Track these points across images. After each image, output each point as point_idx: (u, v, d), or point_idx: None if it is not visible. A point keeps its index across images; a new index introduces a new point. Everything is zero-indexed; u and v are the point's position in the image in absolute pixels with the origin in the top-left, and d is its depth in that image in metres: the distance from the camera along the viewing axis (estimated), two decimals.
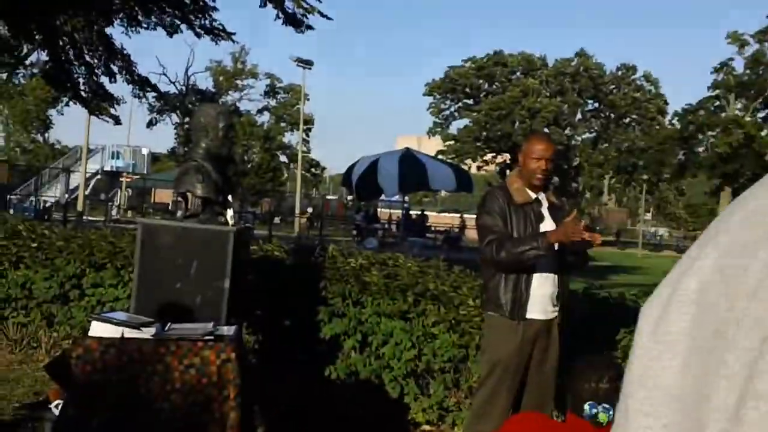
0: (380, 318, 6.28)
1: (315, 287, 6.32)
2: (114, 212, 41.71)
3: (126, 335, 4.30)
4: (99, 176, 51.68)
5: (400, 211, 37.46)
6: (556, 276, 4.69)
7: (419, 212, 45.18)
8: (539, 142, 4.78)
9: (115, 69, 16.80)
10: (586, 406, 2.64)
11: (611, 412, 2.63)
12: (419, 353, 6.27)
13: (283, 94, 69.22)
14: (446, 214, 66.10)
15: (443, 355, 6.19)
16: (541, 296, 4.63)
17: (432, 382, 6.35)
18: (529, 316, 4.60)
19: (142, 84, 17.77)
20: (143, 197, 54.24)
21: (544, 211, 4.76)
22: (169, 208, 46.72)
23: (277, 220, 53.62)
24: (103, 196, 49.34)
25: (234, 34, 17.18)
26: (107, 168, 50.35)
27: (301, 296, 6.40)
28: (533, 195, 4.75)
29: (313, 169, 70.17)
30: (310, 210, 58.19)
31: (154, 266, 5.06)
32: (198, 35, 16.40)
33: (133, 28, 16.06)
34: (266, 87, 68.72)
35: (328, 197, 72.43)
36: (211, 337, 4.35)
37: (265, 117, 69.86)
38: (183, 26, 16.36)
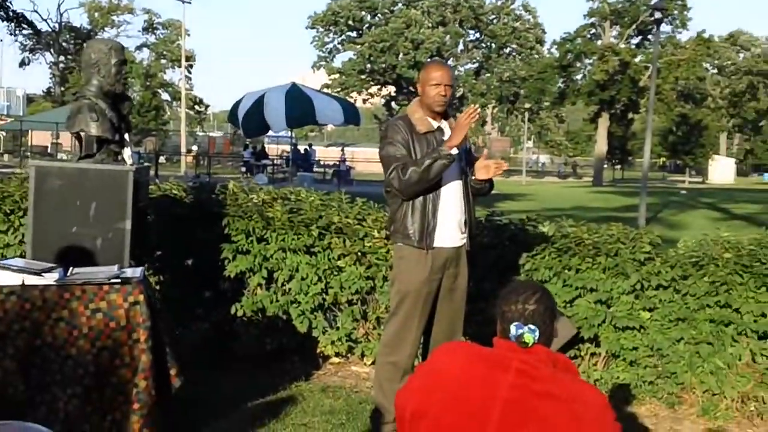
0: (285, 253, 6.19)
1: (217, 225, 6.17)
2: None
3: (26, 282, 4.09)
4: None
5: (288, 146, 37.17)
6: (463, 202, 4.68)
7: (306, 147, 44.89)
8: (436, 69, 4.72)
9: None
10: (512, 327, 2.65)
11: (536, 333, 2.64)
12: (326, 287, 6.22)
13: (163, 30, 67.36)
14: (333, 148, 65.97)
15: (350, 288, 6.17)
16: (449, 223, 4.61)
17: (340, 314, 6.33)
18: (437, 244, 4.57)
19: (17, 20, 16.87)
20: (19, 140, 52.01)
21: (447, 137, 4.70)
22: (48, 150, 45.09)
23: (162, 159, 52.56)
24: None
25: None
26: None
27: (204, 235, 6.25)
28: (435, 123, 4.69)
29: (196, 107, 68.83)
30: (195, 148, 57.23)
31: (49, 210, 4.83)
32: None
33: None
34: (144, 23, 66.77)
35: (213, 134, 71.26)
36: (118, 280, 4.19)
37: (145, 54, 67.98)
38: None
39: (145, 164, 6.56)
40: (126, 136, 5.08)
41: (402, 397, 2.74)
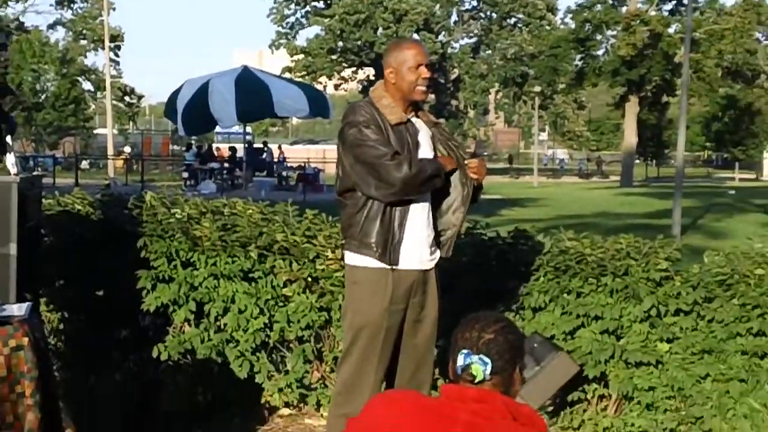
0: (218, 280, 6.17)
1: (132, 247, 6.14)
2: None
3: None
4: None
5: (241, 145, 37.15)
6: (431, 217, 4.67)
7: (261, 144, 44.86)
8: (411, 46, 4.70)
9: None
10: (460, 356, 2.64)
11: (488, 367, 2.63)
12: (270, 321, 6.20)
13: (81, 4, 67.10)
14: (300, 146, 65.98)
15: (300, 321, 6.14)
16: (417, 240, 4.60)
17: (288, 355, 6.31)
18: (402, 264, 4.56)
19: None
20: None
21: (422, 137, 4.68)
22: None
23: (85, 164, 52.44)
24: None
25: None
26: None
27: (115, 259, 6.22)
28: (405, 116, 4.65)
29: (127, 98, 68.62)
30: (127, 150, 57.06)
31: None
32: None
33: None
34: None
35: (151, 132, 71.13)
36: None
37: (60, 33, 67.78)
38: None
39: (36, 173, 6.52)
40: (8, 138, 5.05)
41: None
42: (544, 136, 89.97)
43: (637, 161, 66.45)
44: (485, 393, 2.63)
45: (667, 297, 5.68)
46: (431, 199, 4.69)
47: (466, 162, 4.70)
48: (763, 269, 5.60)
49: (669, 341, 5.74)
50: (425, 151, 4.66)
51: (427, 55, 4.71)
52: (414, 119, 4.71)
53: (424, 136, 4.70)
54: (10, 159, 4.99)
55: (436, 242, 4.74)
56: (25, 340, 4.16)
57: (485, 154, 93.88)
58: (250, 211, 6.41)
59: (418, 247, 4.61)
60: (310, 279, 6.15)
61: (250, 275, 6.20)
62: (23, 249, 4.94)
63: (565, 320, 5.79)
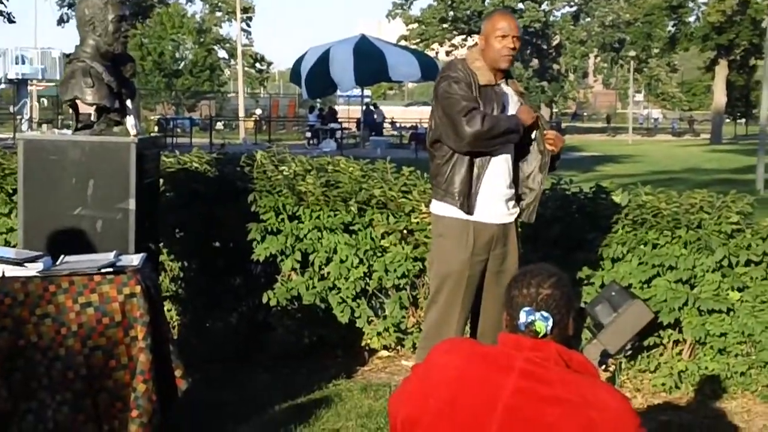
0: (321, 233, 6.11)
1: (243, 201, 6.10)
2: (25, 126, 40.45)
3: (7, 274, 4.06)
4: (3, 85, 49.80)
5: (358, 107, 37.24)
6: (511, 177, 4.62)
7: (371, 106, 44.78)
8: (502, 18, 4.65)
9: None
10: (522, 313, 2.53)
11: (549, 322, 2.51)
12: (369, 270, 6.13)
13: None
14: (414, 108, 65.83)
15: (396, 271, 6.06)
16: (494, 193, 4.55)
17: (386, 301, 6.24)
18: (479, 217, 4.50)
19: None
20: (59, 107, 52.85)
21: (508, 101, 4.63)
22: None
23: (219, 125, 53.07)
24: (12, 109, 47.80)
25: None
26: (11, 76, 48.14)
27: (228, 213, 6.19)
28: (494, 81, 4.61)
29: (258, 65, 69.15)
30: (258, 112, 57.58)
31: (42, 190, 4.83)
32: None
33: None
34: None
35: (279, 96, 71.75)
36: (110, 269, 4.13)
37: (197, 6, 68.62)
38: None
39: (153, 134, 6.52)
40: (128, 102, 5.03)
41: (394, 402, 2.69)
42: (639, 97, 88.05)
43: (727, 120, 64.60)
44: (541, 342, 2.52)
45: (738, 248, 5.50)
46: (513, 158, 4.60)
47: (545, 132, 4.64)
48: None
49: (740, 290, 5.55)
50: (511, 113, 4.59)
51: (516, 27, 4.62)
52: (503, 85, 4.67)
53: (510, 100, 4.65)
54: (130, 121, 4.98)
55: (516, 199, 4.66)
56: (138, 288, 4.14)
57: (585, 114, 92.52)
58: (352, 168, 6.31)
59: (495, 202, 4.55)
60: (405, 231, 6.06)
61: (351, 228, 6.12)
62: (143, 203, 4.93)
63: (642, 270, 5.64)
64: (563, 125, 56.20)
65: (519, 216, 4.69)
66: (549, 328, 2.53)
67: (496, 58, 4.55)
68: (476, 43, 4.76)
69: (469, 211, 4.48)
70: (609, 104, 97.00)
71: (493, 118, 4.40)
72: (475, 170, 4.48)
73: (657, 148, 44.28)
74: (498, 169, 4.53)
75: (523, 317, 2.54)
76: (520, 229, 4.73)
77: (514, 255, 4.61)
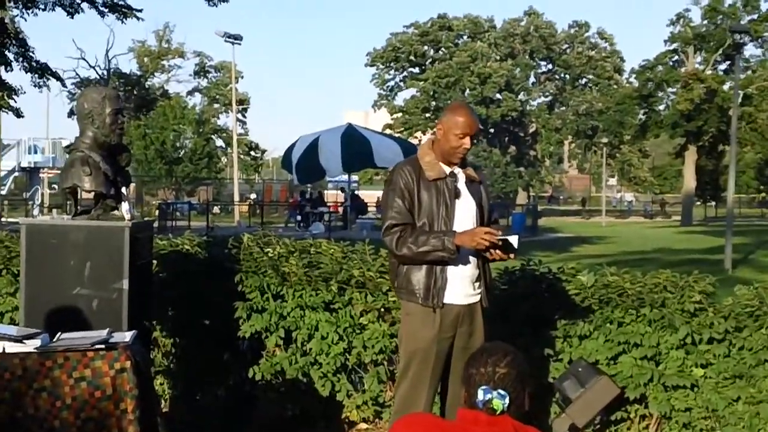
0: (303, 311, 6.17)
1: (230, 281, 6.19)
2: (36, 212, 40.76)
3: (8, 350, 4.13)
4: (17, 173, 50.43)
5: (345, 192, 37.34)
6: (475, 257, 4.56)
7: (353, 191, 44.95)
8: (464, 115, 4.55)
9: (11, 56, 16.43)
10: (480, 391, 2.57)
11: (506, 400, 2.56)
12: (349, 346, 6.17)
13: (215, 73, 68.62)
14: None
15: (374, 347, 6.09)
16: (460, 279, 4.52)
17: (365, 376, 6.26)
18: (447, 301, 4.49)
19: (41, 71, 17.41)
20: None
21: (461, 186, 4.61)
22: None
23: (216, 209, 53.26)
24: (25, 195, 48.24)
25: (140, 10, 16.86)
26: (24, 164, 48.77)
27: (216, 292, 6.27)
28: (448, 170, 4.59)
29: (252, 152, 69.69)
30: (252, 196, 57.82)
31: (43, 271, 4.92)
32: (101, 13, 16.01)
33: (29, 10, 15.67)
34: (195, 66, 68.08)
35: (272, 181, 72.01)
36: (102, 346, 4.20)
37: (197, 99, 69.23)
38: (84, 5, 15.99)
39: (147, 219, 6.63)
40: (123, 189, 5.14)
41: None
42: (613, 181, 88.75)
43: (697, 203, 65.06)
44: (498, 418, 2.56)
45: (701, 326, 5.52)
46: None
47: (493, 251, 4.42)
48: None
49: (704, 366, 5.57)
50: (464, 201, 4.59)
51: (476, 125, 4.57)
52: (457, 171, 4.63)
53: (465, 188, 4.62)
54: (124, 206, 5.08)
55: (484, 278, 4.66)
56: (128, 363, 4.19)
57: (560, 198, 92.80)
58: (333, 250, 6.40)
59: (462, 286, 4.54)
60: (382, 309, 6.12)
61: (331, 306, 6.18)
62: (136, 283, 5.02)
63: (608, 347, 5.66)
64: (540, 208, 56.40)
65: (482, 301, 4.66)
66: (506, 405, 2.57)
67: (450, 154, 4.53)
68: (434, 132, 4.70)
69: (436, 304, 4.47)
70: (584, 188, 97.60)
71: (411, 239, 4.38)
72: (438, 263, 4.45)
73: (630, 230, 44.49)
74: (462, 256, 4.48)
75: (480, 395, 2.58)
76: (486, 306, 4.71)
77: (480, 332, 4.59)
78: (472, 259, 4.55)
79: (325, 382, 6.16)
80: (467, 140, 4.51)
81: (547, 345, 5.80)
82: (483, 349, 2.74)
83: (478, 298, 4.63)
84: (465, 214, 4.58)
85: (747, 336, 5.43)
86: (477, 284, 4.62)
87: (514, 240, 4.37)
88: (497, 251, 4.42)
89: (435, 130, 4.67)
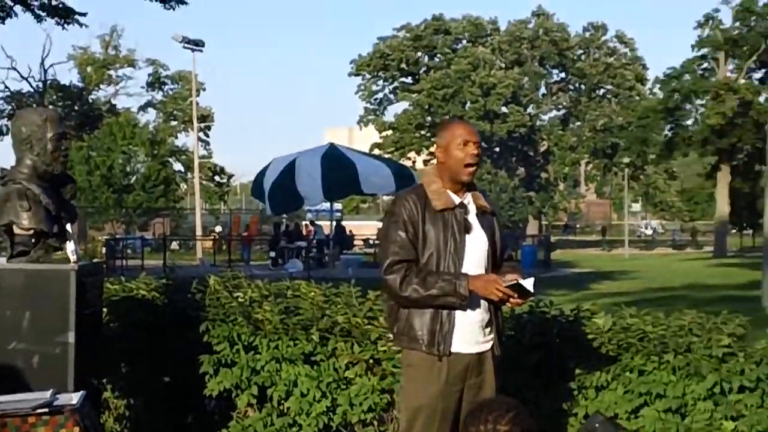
0: (280, 364, 6.18)
1: (194, 331, 6.19)
2: None
3: None
4: None
5: (327, 223, 37.33)
6: (487, 299, 4.58)
7: (336, 223, 45.04)
8: (459, 126, 4.74)
9: None
10: None
11: None
12: (333, 404, 6.16)
13: (172, 85, 68.62)
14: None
15: (362, 404, 6.08)
16: (469, 324, 4.56)
17: None
18: (454, 349, 4.52)
19: None
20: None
21: (472, 218, 4.67)
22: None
23: (174, 245, 53.09)
24: None
25: (84, 14, 16.94)
26: None
27: (178, 344, 6.27)
28: (457, 199, 4.65)
29: (217, 177, 69.73)
30: (218, 229, 57.72)
31: None
32: (38, 18, 16.07)
33: None
34: (149, 77, 67.98)
35: (241, 211, 72.02)
36: (45, 409, 4.19)
37: (151, 115, 69.12)
38: (18, 7, 16.07)
39: (96, 260, 6.64)
40: (68, 227, 5.15)
41: None
42: (637, 206, 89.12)
43: (733, 231, 65.34)
44: None
45: (731, 374, 5.54)
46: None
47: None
48: None
49: (734, 419, 5.55)
50: (476, 235, 4.63)
51: (475, 133, 4.70)
52: (467, 201, 4.69)
53: (476, 220, 4.68)
54: (69, 246, 5.09)
55: (495, 323, 4.69)
56: (76, 429, 4.19)
57: (578, 227, 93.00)
58: (313, 293, 6.42)
59: (470, 332, 4.57)
60: (371, 361, 6.12)
61: (312, 358, 6.19)
62: (84, 336, 5.02)
63: (628, 399, 5.67)
64: (553, 239, 56.55)
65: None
66: None
67: (459, 170, 4.59)
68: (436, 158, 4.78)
69: (442, 352, 4.50)
70: (603, 215, 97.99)
71: (417, 280, 4.44)
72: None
73: (656, 263, 44.67)
74: (472, 299, 4.51)
75: None
76: (498, 354, 4.73)
77: (492, 384, 4.61)
78: (482, 302, 4.59)
79: None
80: (472, 147, 4.60)
81: (560, 398, 5.81)
82: (482, 404, 2.77)
83: (489, 345, 4.65)
84: (476, 250, 4.63)
85: None
86: (488, 330, 4.65)
87: (529, 284, 4.43)
88: (514, 298, 4.48)
89: (436, 155, 4.75)
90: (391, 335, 4.90)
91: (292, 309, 6.28)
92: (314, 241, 40.27)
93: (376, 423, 6.22)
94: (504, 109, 67.19)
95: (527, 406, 5.54)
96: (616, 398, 5.67)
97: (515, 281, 4.44)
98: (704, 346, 5.62)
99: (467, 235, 4.60)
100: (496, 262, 4.70)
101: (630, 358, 5.72)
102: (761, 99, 56.16)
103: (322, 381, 6.14)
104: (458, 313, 4.52)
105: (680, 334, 5.73)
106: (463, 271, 4.52)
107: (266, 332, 6.21)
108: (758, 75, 59.81)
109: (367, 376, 6.13)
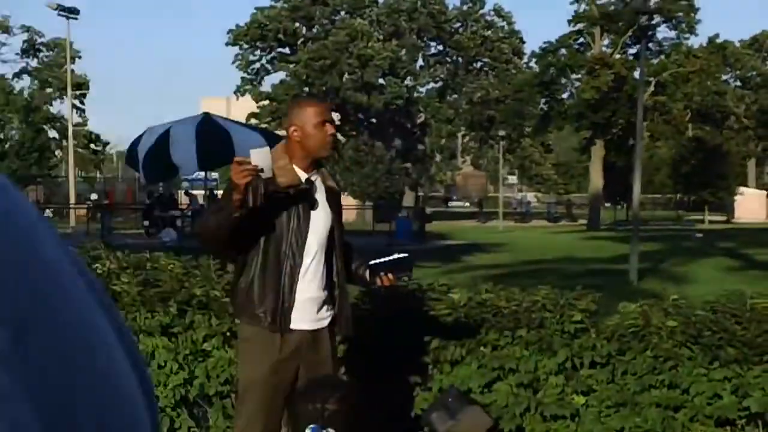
0: (137, 336, 6.17)
1: None
2: None
3: None
4: None
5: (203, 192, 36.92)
6: (326, 277, 4.67)
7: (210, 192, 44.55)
8: (312, 104, 4.73)
9: None
10: (308, 430, 2.67)
11: None
12: (190, 376, 6.21)
13: (47, 52, 67.12)
14: None
15: (219, 377, 6.14)
16: (308, 301, 4.60)
17: (209, 410, 6.31)
18: (294, 326, 4.56)
19: None
20: None
21: (319, 196, 4.68)
22: None
23: (48, 213, 52.10)
24: None
25: None
26: None
27: None
28: (305, 174, 4.65)
29: (92, 145, 68.44)
30: (94, 197, 56.71)
31: None
32: None
33: None
34: (23, 44, 66.42)
35: (117, 180, 70.89)
36: None
37: (26, 82, 67.56)
38: None
39: None
40: None
41: None
42: (513, 179, 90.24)
43: (607, 204, 66.70)
44: None
45: (582, 349, 5.70)
46: (326, 259, 4.70)
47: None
48: (674, 321, 5.64)
49: (585, 394, 5.73)
50: (321, 212, 4.67)
51: (330, 109, 4.76)
52: (315, 178, 4.70)
53: (323, 195, 4.71)
54: None
55: (337, 301, 4.75)
56: None
57: (454, 198, 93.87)
58: (172, 265, 6.43)
59: (309, 309, 4.61)
60: (228, 334, 6.15)
61: (170, 330, 6.22)
62: None
63: (481, 374, 5.79)
64: (429, 210, 56.94)
65: (335, 327, 4.76)
66: None
67: (317, 148, 4.59)
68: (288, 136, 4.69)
69: (284, 330, 4.53)
70: (480, 186, 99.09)
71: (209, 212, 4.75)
72: (286, 280, 4.53)
73: (530, 235, 45.43)
74: (311, 273, 4.59)
75: None
76: (343, 332, 4.83)
77: (329, 362, 4.64)
78: (320, 280, 4.64)
79: (163, 418, 6.17)
80: (329, 126, 4.63)
81: (415, 372, 5.92)
82: (312, 382, 2.84)
83: (326, 323, 4.70)
84: (319, 228, 4.65)
85: (631, 359, 5.65)
86: (326, 307, 4.70)
87: (403, 257, 4.57)
88: (387, 275, 4.56)
89: (289, 133, 4.64)
90: (230, 306, 4.93)
91: (150, 281, 6.29)
92: (189, 211, 39.80)
93: (233, 395, 6.26)
94: (381, 81, 67.08)
95: (383, 382, 5.70)
96: (471, 373, 5.78)
97: (389, 259, 4.55)
98: (557, 322, 5.78)
99: (312, 212, 4.63)
100: (338, 247, 4.75)
101: (484, 333, 5.85)
102: (635, 74, 57.18)
103: (180, 353, 6.17)
104: (298, 291, 4.55)
105: (533, 310, 5.87)
106: (306, 248, 4.57)
107: (124, 304, 6.18)
108: (633, 50, 61.01)
109: (224, 349, 6.17)
